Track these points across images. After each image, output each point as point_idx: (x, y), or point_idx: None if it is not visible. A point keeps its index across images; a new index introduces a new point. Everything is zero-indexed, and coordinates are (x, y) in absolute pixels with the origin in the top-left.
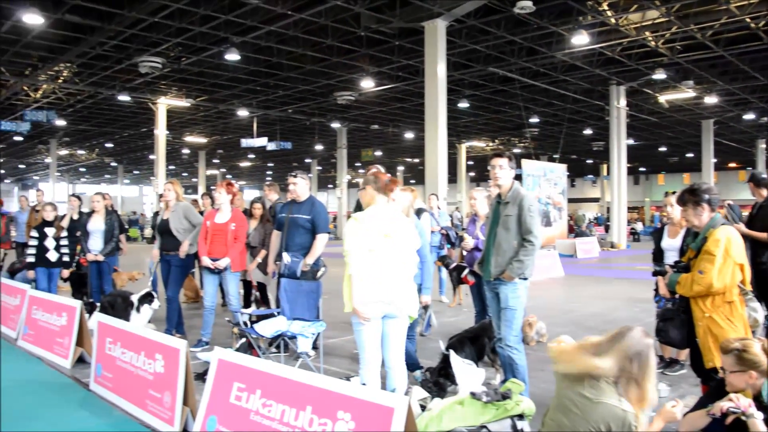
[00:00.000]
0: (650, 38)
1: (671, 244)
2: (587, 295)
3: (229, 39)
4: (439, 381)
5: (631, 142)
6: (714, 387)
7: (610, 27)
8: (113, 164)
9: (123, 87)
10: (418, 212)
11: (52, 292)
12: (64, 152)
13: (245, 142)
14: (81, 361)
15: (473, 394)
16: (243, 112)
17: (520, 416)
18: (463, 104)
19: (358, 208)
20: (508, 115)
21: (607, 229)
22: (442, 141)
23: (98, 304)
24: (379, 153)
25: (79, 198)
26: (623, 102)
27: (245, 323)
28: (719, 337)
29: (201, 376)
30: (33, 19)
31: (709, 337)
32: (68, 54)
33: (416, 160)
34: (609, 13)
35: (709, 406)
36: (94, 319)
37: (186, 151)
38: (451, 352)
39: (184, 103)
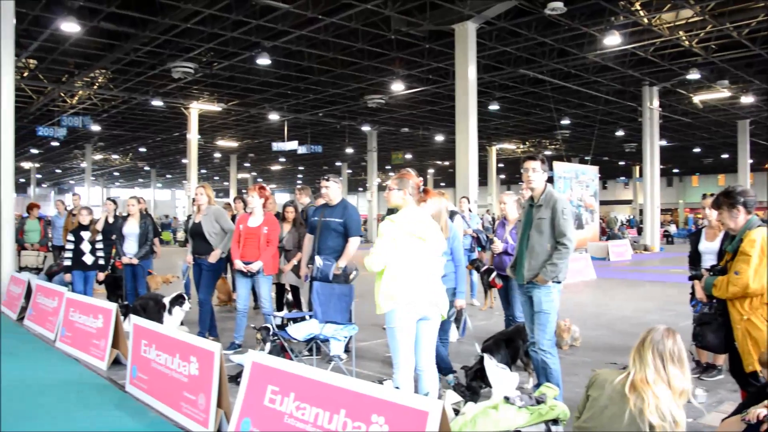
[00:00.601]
0: (684, 38)
1: (709, 247)
2: (620, 298)
3: (260, 44)
4: (473, 385)
5: (664, 143)
6: (753, 393)
7: (643, 27)
8: (146, 168)
9: (156, 92)
10: (450, 215)
11: (88, 294)
12: (98, 157)
13: (276, 146)
14: (117, 362)
15: (507, 399)
16: (274, 116)
17: (555, 421)
18: (494, 106)
19: (391, 212)
20: (538, 117)
21: (639, 231)
22: (472, 143)
23: (132, 307)
24: (409, 156)
25: (114, 202)
26: (656, 103)
27: (278, 326)
28: (758, 340)
29: (234, 379)
30: (70, 27)
31: (747, 340)
32: (103, 60)
33: (446, 163)
34: (642, 13)
35: (744, 412)
36: (130, 322)
37: (218, 155)
38: (485, 356)
39: (215, 107)
